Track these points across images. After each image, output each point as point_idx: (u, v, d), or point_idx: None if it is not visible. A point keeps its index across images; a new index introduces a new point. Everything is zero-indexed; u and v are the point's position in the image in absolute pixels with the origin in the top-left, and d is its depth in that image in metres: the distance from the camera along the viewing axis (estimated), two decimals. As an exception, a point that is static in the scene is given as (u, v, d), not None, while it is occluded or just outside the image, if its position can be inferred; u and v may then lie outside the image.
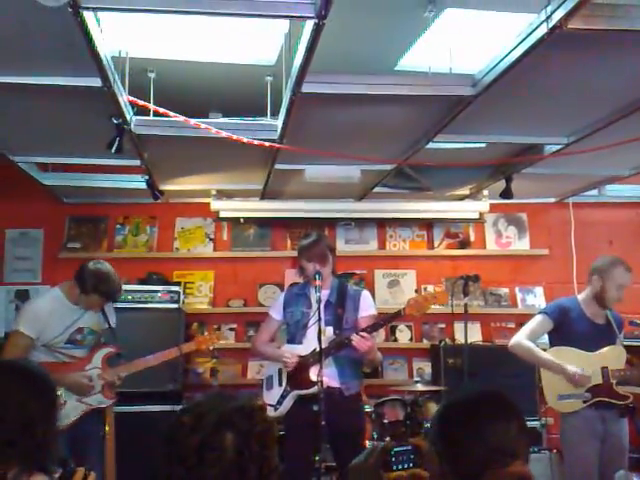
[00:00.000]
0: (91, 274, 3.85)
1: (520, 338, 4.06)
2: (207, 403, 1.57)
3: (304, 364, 3.81)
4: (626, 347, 4.01)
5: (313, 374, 3.76)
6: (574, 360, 3.88)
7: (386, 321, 4.05)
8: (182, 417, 1.53)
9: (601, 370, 3.84)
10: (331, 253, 4.00)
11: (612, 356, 3.88)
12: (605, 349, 3.89)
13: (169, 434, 1.52)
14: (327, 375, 3.69)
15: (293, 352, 3.86)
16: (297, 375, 3.84)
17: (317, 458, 3.73)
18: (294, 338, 3.95)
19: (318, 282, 3.72)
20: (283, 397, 3.86)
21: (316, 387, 3.65)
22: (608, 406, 3.82)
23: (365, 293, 4.09)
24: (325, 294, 3.89)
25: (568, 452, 3.97)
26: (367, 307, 3.99)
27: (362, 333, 3.70)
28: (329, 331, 3.78)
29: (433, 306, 5.51)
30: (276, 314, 4.10)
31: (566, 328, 3.98)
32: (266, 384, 4.02)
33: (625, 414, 3.79)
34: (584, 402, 3.84)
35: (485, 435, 1.53)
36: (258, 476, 1.49)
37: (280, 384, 3.91)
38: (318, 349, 3.70)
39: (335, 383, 3.78)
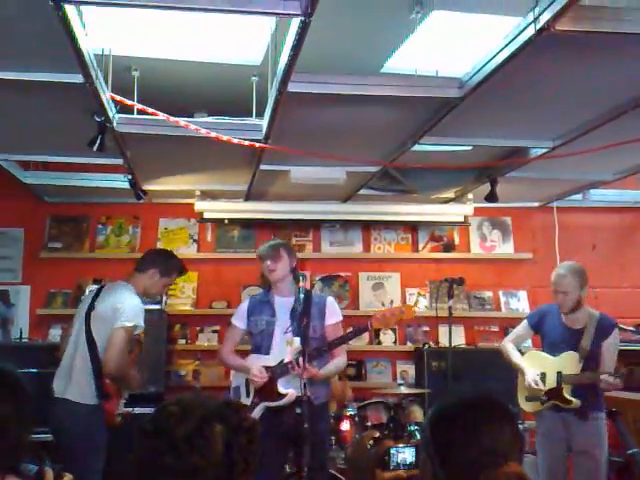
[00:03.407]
0: (168, 255, 4.09)
1: (505, 341, 4.34)
2: (192, 399, 1.56)
3: (271, 376, 3.74)
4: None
5: (281, 386, 3.71)
6: (537, 364, 4.07)
7: (353, 335, 3.96)
8: (168, 408, 1.51)
9: (556, 374, 3.96)
10: (288, 254, 3.89)
11: (568, 361, 3.96)
12: (564, 354, 3.98)
13: (155, 425, 1.49)
14: (295, 386, 3.61)
15: (261, 367, 3.76)
16: (265, 387, 3.75)
17: (304, 461, 3.70)
18: (260, 348, 3.85)
19: (302, 284, 3.68)
20: (251, 408, 3.78)
21: (285, 399, 3.66)
22: (566, 409, 3.93)
23: (330, 299, 3.98)
24: (289, 301, 3.80)
25: (537, 454, 4.15)
26: (333, 314, 3.89)
27: (301, 364, 3.57)
28: (296, 341, 3.68)
29: (417, 308, 5.56)
30: (239, 322, 3.97)
31: (542, 333, 4.17)
32: (233, 394, 3.92)
33: (584, 417, 3.87)
34: (542, 404, 4.01)
35: (479, 437, 1.52)
36: (245, 470, 1.48)
37: (248, 395, 3.84)
38: (286, 360, 3.67)
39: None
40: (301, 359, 3.57)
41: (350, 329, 3.93)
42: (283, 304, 3.81)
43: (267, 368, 3.76)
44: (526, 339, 4.30)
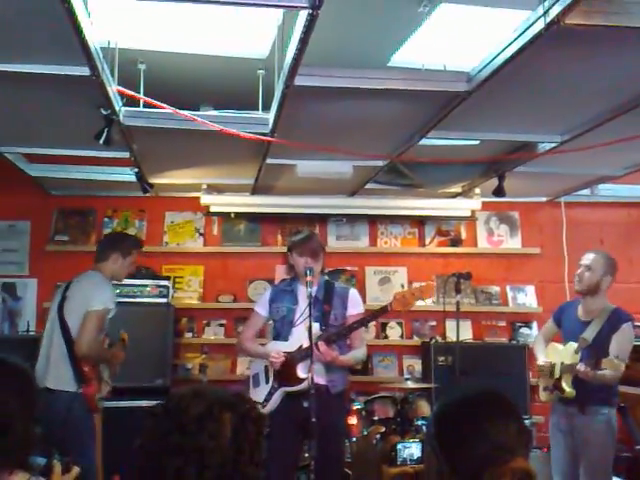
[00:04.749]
0: (121, 236, 4.35)
1: (537, 334, 4.76)
2: (202, 387, 1.57)
3: (291, 361, 3.78)
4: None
5: (300, 371, 3.74)
6: (551, 355, 4.17)
7: (373, 317, 4.04)
8: (180, 391, 1.52)
9: (560, 365, 4.02)
10: (323, 251, 3.99)
11: (568, 352, 4.01)
12: (567, 345, 4.04)
13: (166, 408, 1.49)
14: (314, 372, 3.65)
15: (279, 350, 3.82)
16: (284, 372, 3.80)
17: (307, 455, 3.71)
18: (280, 334, 3.92)
19: (309, 278, 3.68)
20: (270, 394, 3.83)
21: (304, 384, 3.65)
22: (569, 401, 3.94)
23: (353, 291, 4.06)
24: (313, 290, 3.84)
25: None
26: (355, 305, 3.97)
27: (322, 346, 3.63)
28: (316, 328, 3.73)
29: (424, 302, 5.55)
30: (261, 310, 4.06)
31: (562, 325, 4.23)
32: (253, 381, 3.98)
33: (582, 409, 3.87)
34: (551, 393, 4.09)
35: (485, 433, 1.51)
36: (250, 460, 1.47)
37: (267, 381, 3.88)
38: (305, 345, 3.70)
39: (322, 380, 3.74)
40: (320, 343, 3.60)
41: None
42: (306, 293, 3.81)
43: (286, 354, 3.80)
44: (552, 333, 4.34)
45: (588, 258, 4.05)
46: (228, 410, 1.48)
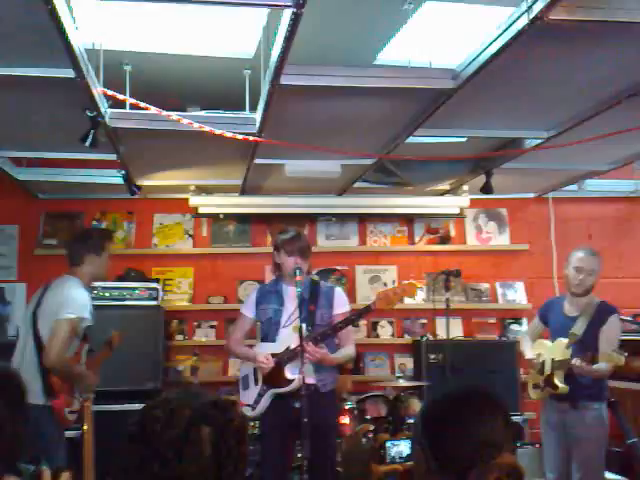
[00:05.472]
0: (88, 234, 4.02)
1: (523, 333, 4.70)
2: (178, 398, 1.52)
3: (278, 362, 3.76)
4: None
5: (289, 372, 3.72)
6: (539, 351, 4.14)
7: (357, 317, 4.01)
8: (153, 411, 1.47)
9: (551, 361, 4.00)
10: (310, 250, 3.96)
11: (558, 348, 4.00)
12: (556, 341, 4.03)
13: (141, 430, 1.46)
14: (304, 371, 3.64)
15: (267, 354, 3.78)
16: (273, 374, 3.77)
17: (299, 455, 3.70)
18: (267, 336, 3.88)
19: (299, 277, 3.67)
20: (260, 396, 3.80)
21: (293, 384, 3.64)
22: (560, 397, 3.94)
23: (338, 290, 4.02)
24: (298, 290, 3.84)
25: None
26: (341, 304, 3.93)
27: (309, 345, 3.61)
28: (303, 327, 3.71)
29: (414, 301, 5.55)
30: (248, 312, 4.01)
31: (548, 322, 4.21)
32: (242, 384, 3.95)
33: (573, 405, 3.88)
34: (541, 391, 4.06)
35: (472, 430, 1.51)
36: (234, 472, 1.46)
37: (256, 383, 3.85)
38: (293, 346, 3.68)
39: (311, 380, 3.73)
40: (307, 342, 3.58)
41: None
42: (292, 293, 3.78)
43: (274, 355, 3.77)
44: (539, 331, 4.31)
45: (590, 263, 3.95)
46: (206, 425, 1.45)
